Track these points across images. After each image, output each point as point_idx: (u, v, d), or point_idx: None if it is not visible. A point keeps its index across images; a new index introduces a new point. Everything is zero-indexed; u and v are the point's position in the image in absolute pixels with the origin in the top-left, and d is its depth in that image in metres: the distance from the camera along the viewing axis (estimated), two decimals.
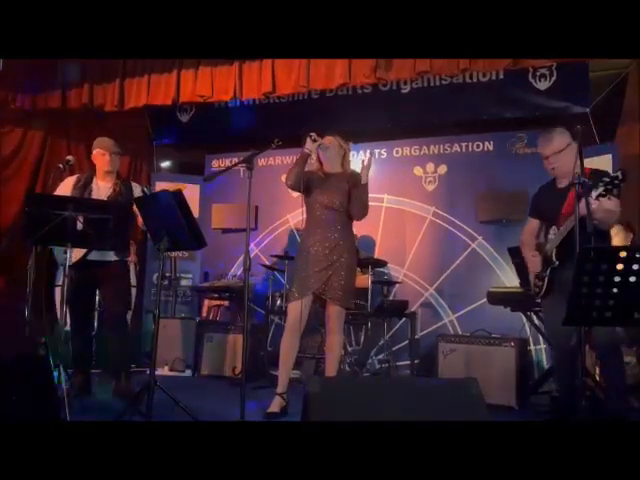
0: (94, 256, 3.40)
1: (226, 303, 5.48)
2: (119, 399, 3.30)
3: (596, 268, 1.88)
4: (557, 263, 2.80)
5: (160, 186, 5.48)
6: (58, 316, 4.39)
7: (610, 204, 2.58)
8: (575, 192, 2.36)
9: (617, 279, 1.88)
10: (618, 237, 3.64)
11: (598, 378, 3.25)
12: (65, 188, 3.52)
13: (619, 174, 2.45)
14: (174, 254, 5.39)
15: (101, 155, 3.55)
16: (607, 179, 2.46)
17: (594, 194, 2.46)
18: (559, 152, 2.81)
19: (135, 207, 3.18)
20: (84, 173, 3.70)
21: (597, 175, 2.64)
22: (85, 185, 3.52)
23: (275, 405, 3.12)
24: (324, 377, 3.15)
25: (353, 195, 3.22)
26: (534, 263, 2.93)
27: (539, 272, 2.92)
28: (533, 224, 3.08)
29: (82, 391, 3.44)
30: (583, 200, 2.35)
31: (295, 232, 5.41)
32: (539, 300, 3.00)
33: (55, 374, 2.63)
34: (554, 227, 2.85)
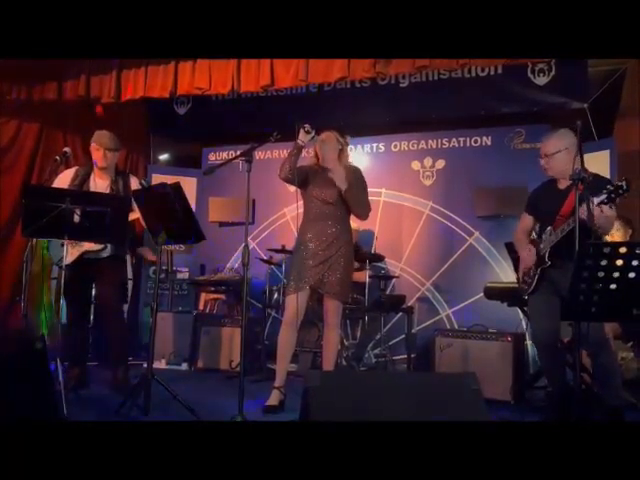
0: (88, 254, 3.38)
1: (223, 296, 5.47)
2: (116, 392, 3.29)
3: (595, 264, 1.89)
4: (549, 263, 2.80)
5: (157, 179, 5.47)
6: (54, 309, 4.40)
7: (611, 211, 2.55)
8: (575, 190, 2.32)
9: (616, 275, 1.89)
10: (618, 233, 3.66)
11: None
12: (62, 182, 3.48)
13: (624, 184, 2.38)
14: (171, 247, 5.37)
15: (95, 150, 3.51)
16: (611, 187, 2.40)
17: (596, 200, 2.41)
18: (551, 155, 2.80)
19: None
20: (82, 166, 3.67)
21: (600, 181, 2.61)
22: (82, 182, 3.49)
23: (273, 399, 3.12)
24: (323, 371, 3.15)
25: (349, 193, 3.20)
26: (528, 258, 2.93)
27: (530, 269, 2.92)
28: (527, 221, 3.06)
29: (79, 384, 3.43)
30: (584, 205, 2.31)
31: (292, 226, 5.39)
32: (526, 297, 2.99)
33: (52, 367, 2.62)
34: (550, 228, 2.83)
